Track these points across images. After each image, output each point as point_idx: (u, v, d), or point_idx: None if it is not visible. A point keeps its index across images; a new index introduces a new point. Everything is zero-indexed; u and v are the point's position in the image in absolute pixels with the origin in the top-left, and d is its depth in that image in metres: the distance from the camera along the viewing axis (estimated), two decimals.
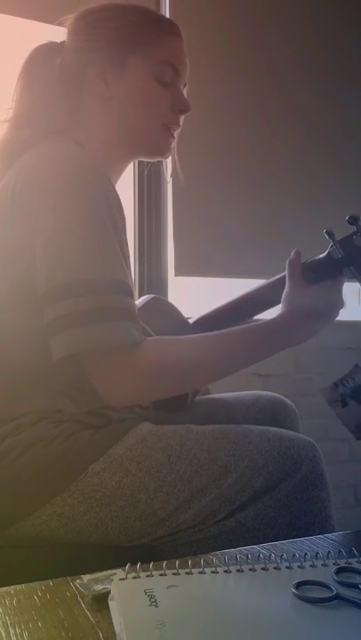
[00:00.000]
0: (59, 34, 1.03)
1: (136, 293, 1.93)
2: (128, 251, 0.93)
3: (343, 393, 0.90)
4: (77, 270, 0.81)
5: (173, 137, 1.05)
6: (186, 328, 1.12)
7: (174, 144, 1.07)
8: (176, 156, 1.12)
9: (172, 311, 1.14)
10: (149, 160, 1.10)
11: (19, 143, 0.94)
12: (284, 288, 0.98)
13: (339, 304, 0.96)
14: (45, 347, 0.83)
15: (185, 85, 1.05)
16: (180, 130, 1.07)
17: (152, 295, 1.17)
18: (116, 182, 1.03)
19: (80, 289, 0.80)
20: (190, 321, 1.15)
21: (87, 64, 0.98)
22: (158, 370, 0.87)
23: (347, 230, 0.96)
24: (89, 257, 0.82)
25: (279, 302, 0.97)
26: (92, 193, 0.84)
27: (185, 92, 1.05)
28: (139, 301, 1.15)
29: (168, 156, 1.08)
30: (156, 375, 0.87)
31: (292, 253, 0.99)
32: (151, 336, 1.02)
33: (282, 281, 0.99)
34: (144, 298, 1.16)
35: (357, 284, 0.96)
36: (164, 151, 1.05)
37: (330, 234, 0.94)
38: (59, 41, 1.02)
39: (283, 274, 1.01)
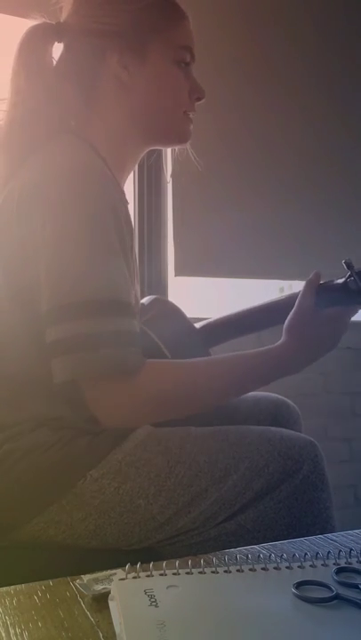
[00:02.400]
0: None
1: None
2: (135, 263, 0.91)
3: None
4: (80, 290, 0.80)
5: (192, 122, 1.03)
6: (191, 332, 1.10)
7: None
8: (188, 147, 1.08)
9: (176, 313, 1.12)
10: (167, 147, 1.07)
11: (30, 140, 0.89)
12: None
13: (343, 332, 0.95)
14: (44, 355, 0.82)
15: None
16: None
17: (154, 296, 1.16)
18: (130, 171, 1.01)
19: (81, 311, 0.79)
20: (197, 325, 1.14)
21: (105, 48, 0.93)
22: (157, 397, 0.86)
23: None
24: (92, 276, 0.81)
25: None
26: (98, 206, 0.82)
27: None
28: (141, 302, 1.13)
29: (188, 143, 1.05)
30: (153, 402, 0.86)
31: (312, 274, 0.96)
32: (153, 341, 1.01)
33: (294, 300, 0.97)
34: (146, 299, 1.15)
35: None
36: (186, 138, 1.02)
37: (349, 265, 0.91)
38: (54, 22, 0.95)
39: (295, 292, 0.98)
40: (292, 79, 2.10)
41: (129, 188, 1.96)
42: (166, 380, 0.87)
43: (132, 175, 1.98)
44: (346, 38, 2.20)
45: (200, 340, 1.09)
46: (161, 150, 1.94)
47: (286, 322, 0.93)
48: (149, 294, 1.96)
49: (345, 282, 0.92)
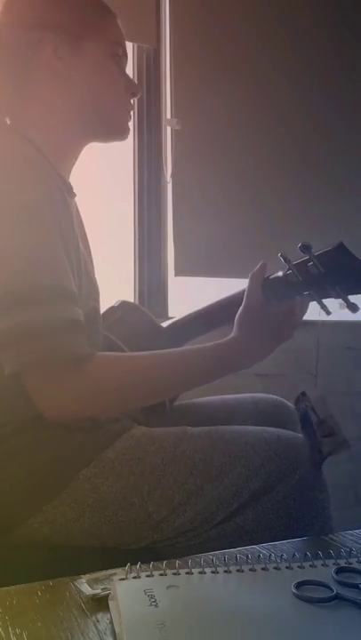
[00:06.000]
0: None
1: (136, 294, 1.94)
2: (80, 249, 0.90)
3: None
4: (20, 279, 0.79)
5: (131, 118, 1.02)
6: (155, 333, 1.10)
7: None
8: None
9: (143, 315, 1.11)
10: (106, 142, 1.04)
11: None
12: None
13: (294, 325, 0.92)
14: None
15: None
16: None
17: (122, 300, 1.15)
18: (71, 169, 1.00)
19: (23, 300, 0.78)
20: (164, 324, 1.13)
21: (39, 41, 0.92)
22: (101, 387, 0.84)
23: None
24: (31, 264, 0.79)
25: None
26: (34, 196, 0.82)
27: None
28: (109, 308, 1.12)
29: (126, 138, 1.04)
30: (98, 393, 0.84)
31: (258, 266, 0.93)
32: (116, 344, 1.00)
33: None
34: (114, 303, 1.14)
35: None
36: (124, 132, 1.02)
37: (285, 258, 0.88)
38: None
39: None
40: (291, 79, 2.10)
41: (129, 188, 1.96)
42: (112, 371, 0.86)
43: (131, 175, 1.99)
44: (346, 36, 2.20)
45: (165, 340, 1.08)
46: (161, 150, 1.95)
47: (237, 316, 0.92)
48: (149, 294, 1.97)
49: (285, 275, 0.90)
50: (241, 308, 0.92)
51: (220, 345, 0.90)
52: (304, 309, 0.93)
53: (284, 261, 0.88)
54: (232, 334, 0.91)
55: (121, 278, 1.94)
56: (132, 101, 1.01)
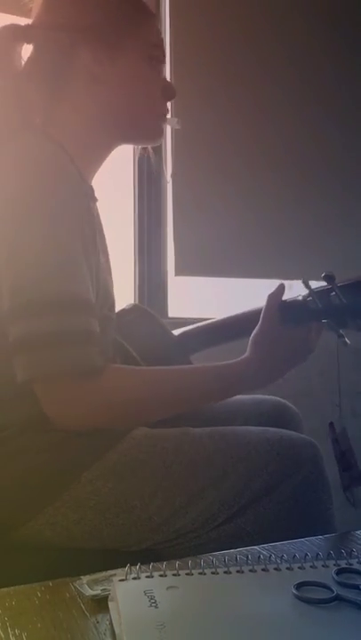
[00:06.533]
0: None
1: (136, 293, 1.94)
2: (103, 254, 0.90)
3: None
4: (39, 288, 0.79)
5: (166, 121, 1.03)
6: (168, 341, 1.10)
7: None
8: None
9: (154, 322, 1.11)
10: (138, 145, 1.06)
11: None
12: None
13: (308, 350, 0.93)
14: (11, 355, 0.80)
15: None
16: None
17: (134, 304, 1.15)
18: (95, 172, 1.00)
19: (41, 308, 0.78)
20: (175, 332, 1.13)
21: (77, 43, 0.92)
22: (114, 401, 0.84)
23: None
24: (52, 273, 0.80)
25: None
26: (58, 202, 0.82)
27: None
28: (121, 309, 1.12)
29: (160, 142, 1.05)
30: (110, 406, 0.84)
31: (276, 288, 0.93)
32: (128, 352, 1.00)
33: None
34: (126, 306, 1.14)
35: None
36: (158, 136, 1.02)
37: (306, 284, 0.89)
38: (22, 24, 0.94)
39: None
40: (291, 79, 2.10)
41: (129, 188, 1.96)
42: (125, 385, 0.86)
43: (131, 175, 1.99)
44: (348, 39, 2.20)
45: (174, 347, 1.09)
46: (161, 150, 1.95)
47: (251, 336, 0.92)
48: (149, 293, 1.97)
49: (305, 301, 0.91)
50: (257, 328, 0.92)
51: (232, 365, 0.90)
52: (319, 335, 0.93)
53: (306, 287, 0.89)
54: (246, 354, 0.91)
55: (121, 278, 1.93)
56: (168, 105, 1.01)
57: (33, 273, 0.80)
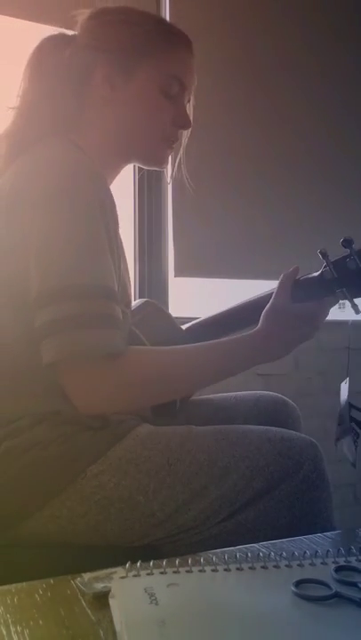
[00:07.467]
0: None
1: (136, 294, 1.94)
2: (122, 254, 0.93)
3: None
4: (68, 275, 0.81)
5: (171, 149, 1.05)
6: (178, 334, 1.12)
7: (181, 153, 1.08)
8: (182, 166, 1.12)
9: (165, 316, 1.14)
10: (145, 167, 1.10)
11: (21, 138, 0.94)
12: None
13: (316, 326, 0.96)
14: (36, 347, 0.83)
15: (189, 100, 1.05)
16: (183, 143, 1.08)
17: (145, 299, 1.18)
18: (112, 181, 1.03)
19: (69, 293, 0.81)
20: (183, 327, 1.15)
21: (95, 63, 0.97)
22: (137, 381, 0.87)
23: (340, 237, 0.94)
24: (80, 263, 0.82)
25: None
26: (87, 198, 0.84)
27: (190, 106, 1.05)
28: (133, 305, 1.14)
29: (164, 168, 1.08)
30: (133, 386, 0.87)
31: (292, 268, 0.98)
32: (141, 341, 1.02)
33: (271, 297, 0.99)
34: (138, 302, 1.16)
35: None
36: (159, 162, 1.06)
37: (324, 254, 0.93)
38: (70, 33, 1.01)
39: (273, 289, 1.00)
40: (291, 84, 2.10)
41: (129, 188, 1.97)
42: (147, 365, 0.88)
43: (131, 175, 2.00)
44: (348, 46, 2.20)
45: (183, 342, 1.10)
46: None
47: (263, 312, 0.95)
48: (149, 294, 1.97)
49: (321, 273, 0.94)
50: (268, 305, 0.95)
51: (245, 337, 0.93)
52: (327, 312, 0.96)
53: (323, 257, 0.93)
54: (257, 327, 0.94)
55: None
56: (178, 133, 1.04)
57: (62, 261, 0.82)
